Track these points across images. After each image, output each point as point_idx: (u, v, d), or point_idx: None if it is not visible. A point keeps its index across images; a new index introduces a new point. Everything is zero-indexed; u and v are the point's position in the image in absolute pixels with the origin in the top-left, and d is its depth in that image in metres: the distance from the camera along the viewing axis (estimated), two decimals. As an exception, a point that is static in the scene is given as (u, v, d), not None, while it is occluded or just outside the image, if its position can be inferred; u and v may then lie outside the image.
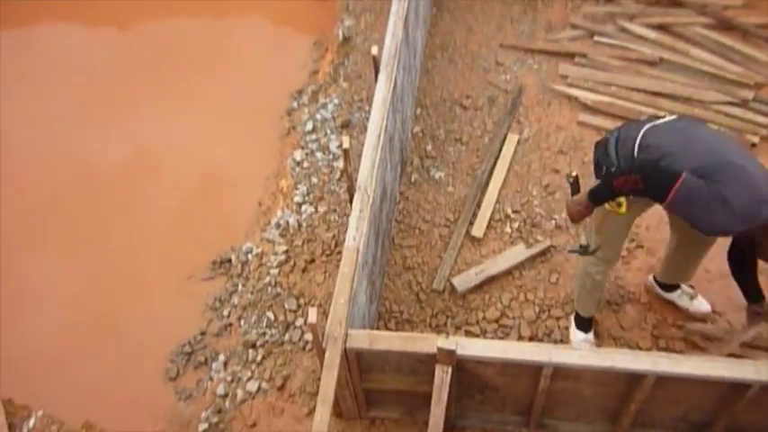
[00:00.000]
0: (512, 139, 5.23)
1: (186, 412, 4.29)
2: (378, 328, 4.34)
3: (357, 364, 3.48)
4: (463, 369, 3.44)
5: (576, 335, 4.22)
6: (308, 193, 5.10)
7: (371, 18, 6.15)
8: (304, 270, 4.73)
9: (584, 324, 4.20)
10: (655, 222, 4.58)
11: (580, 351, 3.46)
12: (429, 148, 5.23)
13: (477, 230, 4.77)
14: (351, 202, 3.87)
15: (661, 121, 3.45)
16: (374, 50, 4.31)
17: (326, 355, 3.23)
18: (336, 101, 5.61)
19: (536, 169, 5.07)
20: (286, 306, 4.57)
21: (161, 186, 5.35)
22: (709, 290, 4.36)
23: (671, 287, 4.33)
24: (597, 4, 6.05)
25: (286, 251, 4.82)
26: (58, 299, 4.80)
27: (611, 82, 5.51)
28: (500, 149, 5.18)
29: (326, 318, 3.36)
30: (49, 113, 5.78)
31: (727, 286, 4.32)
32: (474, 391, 3.68)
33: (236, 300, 4.69)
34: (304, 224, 4.94)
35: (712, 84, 5.45)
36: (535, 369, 3.40)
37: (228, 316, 4.64)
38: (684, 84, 5.46)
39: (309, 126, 5.48)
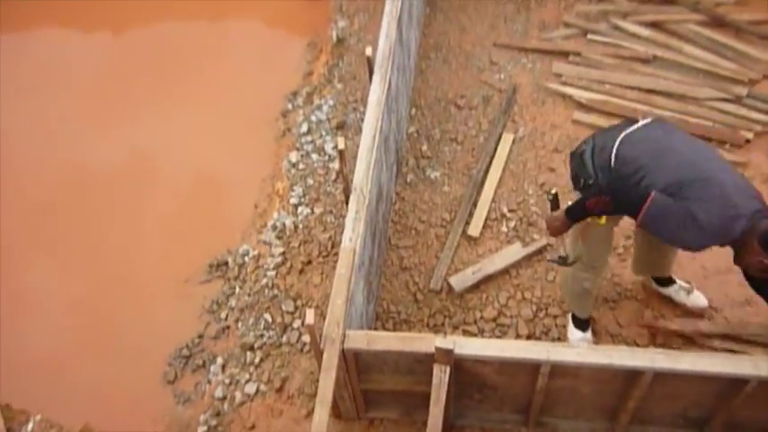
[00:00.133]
0: (507, 138, 5.24)
1: (185, 415, 4.28)
2: (375, 329, 4.35)
3: (355, 364, 3.48)
4: (461, 368, 3.44)
5: (573, 333, 4.23)
6: (304, 195, 5.10)
7: (365, 19, 6.16)
8: (301, 272, 4.73)
9: (582, 323, 4.21)
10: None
11: (578, 349, 3.46)
12: (424, 148, 5.24)
13: (474, 230, 4.77)
14: (347, 203, 3.87)
15: (635, 127, 3.43)
16: (368, 51, 4.31)
17: (324, 356, 3.23)
18: (331, 102, 5.61)
19: (531, 168, 5.08)
20: (283, 308, 4.57)
21: (158, 189, 5.35)
22: (706, 286, 4.37)
23: (667, 282, 4.33)
24: (590, 2, 6.06)
25: (283, 253, 4.82)
26: (55, 303, 4.80)
27: (605, 80, 5.52)
28: (495, 149, 5.18)
29: (324, 319, 3.36)
30: (46, 117, 5.78)
31: (724, 282, 4.36)
32: (472, 390, 3.68)
33: (233, 302, 4.69)
34: (300, 226, 4.94)
35: (706, 80, 5.46)
36: (533, 367, 3.40)
37: (226, 319, 4.64)
38: (678, 81, 5.47)
39: (304, 128, 5.48)
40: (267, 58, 6.13)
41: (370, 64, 4.34)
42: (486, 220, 4.82)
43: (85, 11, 6.47)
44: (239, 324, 4.58)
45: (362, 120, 4.20)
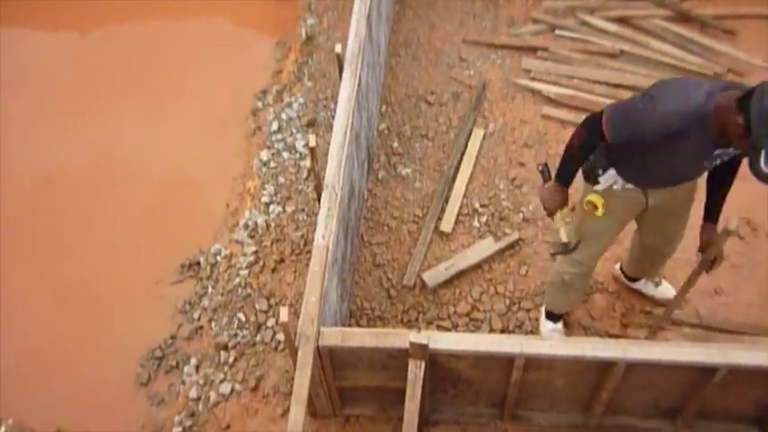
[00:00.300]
0: (477, 133, 5.26)
1: (159, 417, 4.25)
2: (349, 326, 4.35)
3: (330, 361, 3.48)
4: (436, 363, 3.45)
5: (545, 325, 4.26)
6: (276, 193, 5.08)
7: (334, 16, 6.15)
8: (274, 270, 4.72)
9: (554, 315, 4.24)
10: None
11: (551, 341, 3.49)
12: (395, 144, 5.25)
13: (446, 225, 4.79)
14: (319, 200, 3.87)
15: None
16: (338, 48, 4.31)
17: (299, 353, 3.22)
18: (301, 100, 5.60)
19: (502, 163, 5.10)
20: (257, 307, 4.55)
21: (127, 191, 5.30)
22: (677, 278, 4.41)
23: (635, 278, 4.39)
24: (558, -2, 6.11)
25: (255, 252, 4.80)
26: (26, 307, 4.74)
27: (573, 75, 5.57)
28: (466, 144, 5.20)
29: (298, 317, 3.35)
30: (8, 121, 5.69)
31: (694, 274, 4.40)
32: (447, 384, 3.70)
33: (206, 302, 4.66)
34: (272, 224, 4.92)
35: (672, 74, 5.52)
36: (507, 361, 3.43)
37: (199, 319, 4.61)
38: (645, 75, 5.52)
39: (275, 126, 5.47)
40: (236, 57, 6.10)
41: (339, 61, 4.33)
42: (458, 215, 4.84)
43: (50, 11, 6.39)
44: (213, 324, 4.55)
45: (333, 117, 4.20)
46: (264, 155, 5.30)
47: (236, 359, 4.37)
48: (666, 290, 4.37)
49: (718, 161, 3.15)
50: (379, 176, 5.07)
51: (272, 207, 5.01)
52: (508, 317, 4.41)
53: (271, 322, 4.48)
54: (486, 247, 4.65)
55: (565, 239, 3.61)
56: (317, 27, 6.08)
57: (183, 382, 4.35)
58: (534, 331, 4.32)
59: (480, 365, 3.52)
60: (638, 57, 5.67)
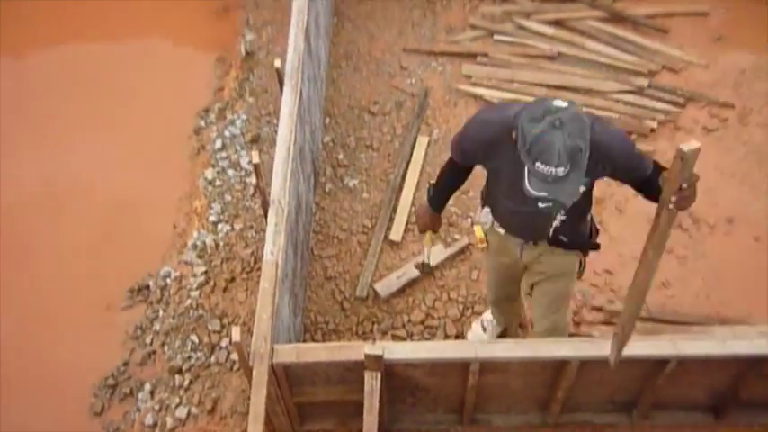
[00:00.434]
0: (422, 141, 5.29)
1: (115, 446, 4.18)
2: (305, 341, 4.33)
3: (286, 378, 3.46)
4: (392, 373, 3.45)
5: (473, 330, 4.30)
6: (223, 212, 5.04)
7: (273, 31, 6.12)
8: (225, 289, 4.67)
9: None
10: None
11: (505, 343, 3.52)
12: (341, 156, 5.24)
13: (395, 235, 4.80)
14: (266, 216, 3.84)
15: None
16: (277, 63, 4.30)
17: (254, 372, 3.20)
18: (244, 116, 5.56)
19: (448, 169, 5.13)
20: (209, 327, 4.50)
21: (71, 217, 5.18)
22: (624, 274, 4.49)
23: None
24: (494, 3, 6.16)
25: (205, 272, 4.74)
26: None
27: (513, 79, 5.64)
28: (411, 153, 5.23)
29: (252, 335, 3.32)
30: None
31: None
32: (405, 394, 3.70)
33: (157, 326, 4.59)
34: (221, 243, 4.88)
35: (609, 74, 5.64)
36: (463, 366, 3.44)
37: (151, 343, 4.53)
38: (583, 75, 5.62)
39: (219, 144, 5.42)
40: (176, 76, 6.02)
41: (279, 76, 4.32)
42: (406, 224, 4.85)
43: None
44: (165, 348, 4.48)
45: (276, 132, 4.18)
46: (209, 173, 5.25)
47: (191, 382, 4.31)
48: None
49: (546, 207, 2.87)
50: (327, 189, 5.06)
51: (219, 226, 4.96)
52: (462, 322, 4.44)
53: (224, 342, 4.43)
54: (437, 253, 4.66)
55: (426, 260, 3.74)
56: (256, 42, 6.05)
57: (139, 409, 4.28)
58: (489, 335, 4.35)
59: (437, 373, 3.53)
60: (576, 58, 5.76)
